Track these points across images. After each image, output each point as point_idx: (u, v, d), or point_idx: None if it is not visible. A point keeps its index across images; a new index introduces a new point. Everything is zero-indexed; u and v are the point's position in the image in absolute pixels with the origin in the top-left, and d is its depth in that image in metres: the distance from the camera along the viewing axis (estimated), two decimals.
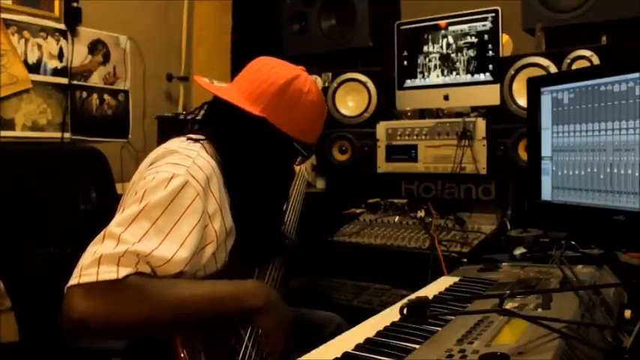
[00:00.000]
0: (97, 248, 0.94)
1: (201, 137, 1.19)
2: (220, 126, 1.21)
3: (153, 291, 0.95)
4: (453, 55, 2.14)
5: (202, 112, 1.29)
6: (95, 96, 2.68)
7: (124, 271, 0.92)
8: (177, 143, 1.16)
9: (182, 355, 0.99)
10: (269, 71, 1.21)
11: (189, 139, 1.19)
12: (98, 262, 0.92)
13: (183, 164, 1.07)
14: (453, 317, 0.95)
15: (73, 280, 0.92)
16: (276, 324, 1.08)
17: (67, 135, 2.53)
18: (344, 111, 2.33)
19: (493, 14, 2.04)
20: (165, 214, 1.00)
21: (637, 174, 1.33)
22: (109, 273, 0.92)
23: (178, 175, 1.04)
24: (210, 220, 1.08)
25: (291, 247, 1.49)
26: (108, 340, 1.08)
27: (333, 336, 0.97)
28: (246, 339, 1.11)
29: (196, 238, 1.03)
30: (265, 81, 1.19)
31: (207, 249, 1.08)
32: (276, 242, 1.35)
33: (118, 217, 1.00)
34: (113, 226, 0.98)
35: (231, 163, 1.18)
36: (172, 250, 0.98)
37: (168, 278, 1.00)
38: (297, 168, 1.66)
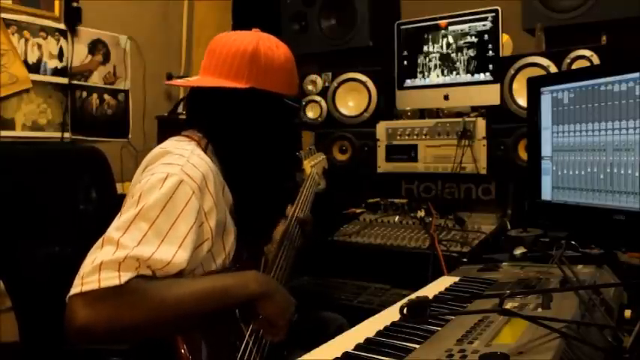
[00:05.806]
0: (96, 255, 0.93)
1: (196, 133, 1.20)
2: (212, 114, 1.21)
3: (154, 292, 0.95)
4: (453, 55, 2.14)
5: (181, 107, 1.30)
6: (95, 96, 2.68)
7: (125, 276, 0.91)
8: (170, 143, 1.17)
9: (182, 351, 0.99)
10: (232, 45, 1.21)
11: (184, 136, 1.20)
12: (99, 269, 0.91)
13: (177, 163, 1.07)
14: (453, 317, 0.95)
15: (75, 289, 0.91)
16: (279, 309, 1.09)
17: (67, 135, 2.54)
18: (344, 111, 2.33)
19: (493, 14, 2.04)
20: (163, 214, 0.99)
21: (637, 174, 1.33)
22: (111, 279, 0.91)
23: (173, 174, 1.04)
24: (206, 217, 1.08)
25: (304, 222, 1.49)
26: (114, 345, 1.07)
27: (334, 336, 0.97)
28: (247, 335, 1.11)
29: (194, 237, 1.03)
30: (235, 54, 1.20)
31: (203, 246, 1.08)
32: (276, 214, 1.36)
33: (116, 222, 1.00)
34: (111, 231, 0.97)
35: (231, 149, 1.19)
36: (171, 252, 0.98)
37: (168, 278, 1.00)
38: (308, 170, 1.66)
